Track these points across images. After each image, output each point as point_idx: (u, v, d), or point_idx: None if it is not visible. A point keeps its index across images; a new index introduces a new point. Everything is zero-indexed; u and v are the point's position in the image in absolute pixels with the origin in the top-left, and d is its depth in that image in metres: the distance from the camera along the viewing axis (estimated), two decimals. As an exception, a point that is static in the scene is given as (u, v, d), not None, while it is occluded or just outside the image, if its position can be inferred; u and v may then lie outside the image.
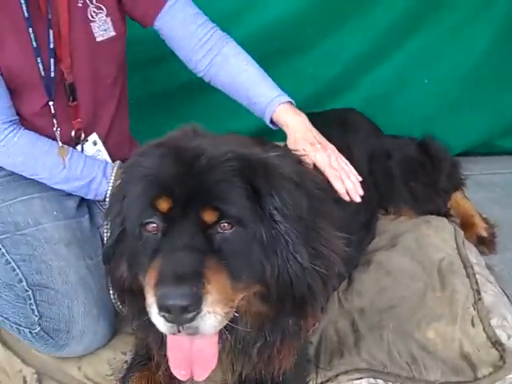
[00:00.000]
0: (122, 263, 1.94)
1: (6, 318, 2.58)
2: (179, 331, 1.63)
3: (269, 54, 3.85)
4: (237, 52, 2.79)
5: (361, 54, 4.05)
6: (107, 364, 2.52)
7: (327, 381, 2.38)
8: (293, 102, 2.69)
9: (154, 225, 1.75)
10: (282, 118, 2.64)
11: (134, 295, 1.96)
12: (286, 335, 1.96)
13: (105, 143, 2.86)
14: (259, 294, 1.82)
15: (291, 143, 2.55)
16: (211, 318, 1.61)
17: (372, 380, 2.38)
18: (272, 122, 2.70)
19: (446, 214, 3.41)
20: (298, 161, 2.07)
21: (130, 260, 1.90)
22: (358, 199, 2.47)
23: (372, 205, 3.07)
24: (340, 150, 2.56)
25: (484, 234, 3.42)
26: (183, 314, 1.57)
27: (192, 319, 1.59)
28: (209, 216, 1.70)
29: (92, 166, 2.70)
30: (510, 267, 3.20)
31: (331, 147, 2.56)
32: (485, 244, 3.37)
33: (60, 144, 2.65)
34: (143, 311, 1.90)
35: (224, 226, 1.71)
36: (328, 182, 2.42)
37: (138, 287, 1.89)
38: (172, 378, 2.35)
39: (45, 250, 2.55)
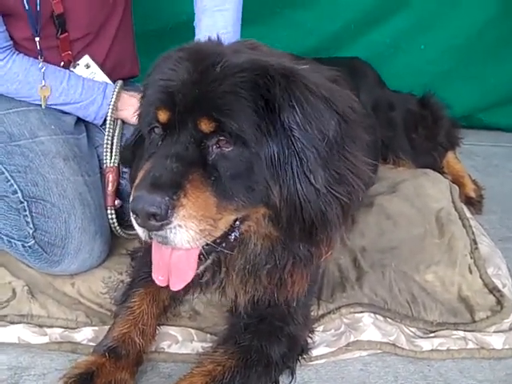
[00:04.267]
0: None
1: (-4, 231, 2.45)
2: (150, 238, 1.62)
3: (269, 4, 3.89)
4: None
5: (360, 14, 4.05)
6: (102, 282, 2.44)
7: (329, 313, 2.35)
8: None
9: (158, 130, 1.73)
10: None
11: None
12: (297, 260, 1.90)
13: (103, 64, 2.74)
14: (268, 216, 1.75)
15: None
16: (181, 231, 1.57)
17: (372, 315, 2.36)
18: None
19: (440, 171, 3.43)
20: (333, 79, 1.93)
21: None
22: None
23: (377, 148, 3.07)
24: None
25: (472, 194, 3.46)
26: (150, 221, 1.55)
27: (160, 228, 1.56)
28: (205, 125, 1.63)
29: (92, 88, 2.61)
30: (495, 228, 3.24)
31: None
32: (472, 204, 3.39)
33: (42, 83, 2.52)
34: None
35: (222, 141, 1.64)
36: None
37: None
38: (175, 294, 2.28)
39: (41, 162, 2.43)
